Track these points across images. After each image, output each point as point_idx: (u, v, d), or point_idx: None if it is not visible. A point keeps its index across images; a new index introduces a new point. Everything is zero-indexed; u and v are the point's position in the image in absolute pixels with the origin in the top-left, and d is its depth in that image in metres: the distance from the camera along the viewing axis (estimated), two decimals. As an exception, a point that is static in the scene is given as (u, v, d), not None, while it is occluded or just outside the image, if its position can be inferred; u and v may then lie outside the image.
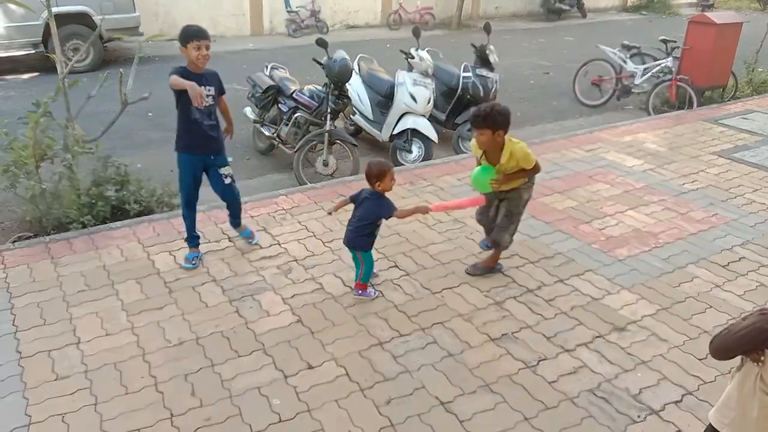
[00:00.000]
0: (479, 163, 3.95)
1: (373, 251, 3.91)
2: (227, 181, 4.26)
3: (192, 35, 3.85)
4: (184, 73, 3.87)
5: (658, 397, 3.17)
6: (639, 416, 3.04)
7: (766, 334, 1.84)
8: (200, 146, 4.10)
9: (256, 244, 4.54)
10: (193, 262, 4.27)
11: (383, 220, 3.85)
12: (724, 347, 1.96)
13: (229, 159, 4.36)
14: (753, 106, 8.40)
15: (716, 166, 6.19)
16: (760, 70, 9.68)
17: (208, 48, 3.90)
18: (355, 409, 3.04)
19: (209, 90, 3.97)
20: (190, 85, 3.72)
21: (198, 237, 4.38)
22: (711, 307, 3.92)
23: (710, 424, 2.19)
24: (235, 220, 4.51)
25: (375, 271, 4.11)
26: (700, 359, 3.43)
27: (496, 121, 3.60)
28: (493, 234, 4.14)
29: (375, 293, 3.97)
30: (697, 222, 5.02)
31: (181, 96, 3.88)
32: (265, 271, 4.23)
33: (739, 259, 4.49)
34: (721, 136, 7.13)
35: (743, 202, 5.40)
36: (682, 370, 3.36)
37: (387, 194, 3.79)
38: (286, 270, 4.24)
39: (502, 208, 4.05)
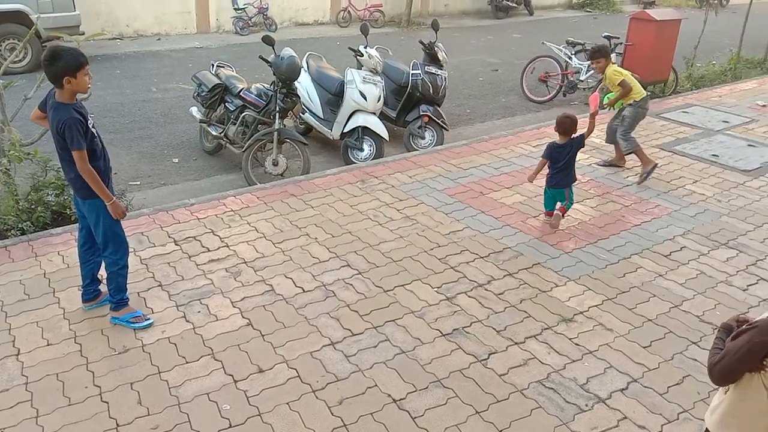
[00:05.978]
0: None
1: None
2: None
3: (84, 60, 3.19)
4: (77, 112, 3.18)
5: (604, 385, 3.25)
6: (587, 405, 3.10)
7: (766, 346, 1.90)
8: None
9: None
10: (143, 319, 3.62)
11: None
12: (729, 372, 1.97)
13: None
14: (692, 100, 8.69)
15: (658, 159, 6.36)
16: (698, 65, 10.02)
17: None
18: (307, 411, 3.02)
19: (92, 117, 3.38)
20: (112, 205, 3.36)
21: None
22: (654, 296, 4.04)
23: (706, 429, 2.20)
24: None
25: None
26: (644, 347, 3.53)
27: (603, 54, 5.70)
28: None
29: None
30: (640, 214, 5.16)
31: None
32: (213, 274, 4.15)
33: (681, 248, 4.63)
34: (663, 130, 7.35)
35: (684, 193, 5.58)
36: (627, 358, 3.45)
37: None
38: (235, 272, 4.17)
39: None
